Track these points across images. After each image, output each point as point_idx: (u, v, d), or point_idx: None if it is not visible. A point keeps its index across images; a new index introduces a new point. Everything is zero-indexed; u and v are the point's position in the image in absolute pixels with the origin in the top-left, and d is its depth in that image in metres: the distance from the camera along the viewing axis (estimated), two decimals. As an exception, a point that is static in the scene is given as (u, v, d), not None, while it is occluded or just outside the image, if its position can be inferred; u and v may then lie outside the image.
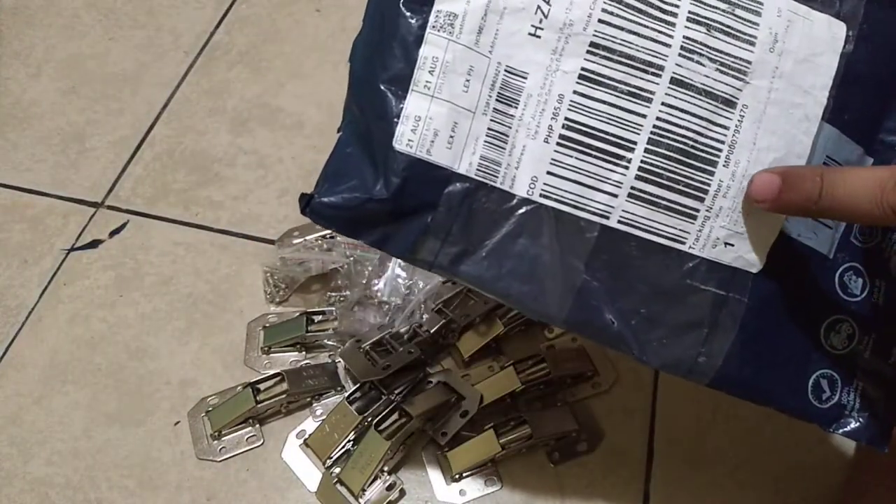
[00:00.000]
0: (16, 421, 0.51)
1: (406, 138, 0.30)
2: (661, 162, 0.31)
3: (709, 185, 0.31)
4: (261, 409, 0.49)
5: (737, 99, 0.31)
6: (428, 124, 0.30)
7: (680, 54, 0.31)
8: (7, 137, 0.66)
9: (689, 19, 0.31)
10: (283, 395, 0.49)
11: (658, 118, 0.31)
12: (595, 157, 0.31)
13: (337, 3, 0.74)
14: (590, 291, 0.32)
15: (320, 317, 0.53)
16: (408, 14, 0.30)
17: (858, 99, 0.33)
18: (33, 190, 0.62)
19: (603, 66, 0.31)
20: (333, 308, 0.53)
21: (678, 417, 0.49)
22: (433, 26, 0.30)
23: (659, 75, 0.31)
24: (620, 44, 0.30)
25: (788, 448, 0.48)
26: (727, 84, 0.31)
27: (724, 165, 0.31)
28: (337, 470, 0.46)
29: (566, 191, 0.31)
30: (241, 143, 0.64)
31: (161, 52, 0.71)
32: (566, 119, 0.31)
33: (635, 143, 0.31)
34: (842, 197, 0.29)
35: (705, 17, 0.31)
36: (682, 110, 0.31)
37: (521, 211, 0.31)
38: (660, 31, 0.30)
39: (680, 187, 0.31)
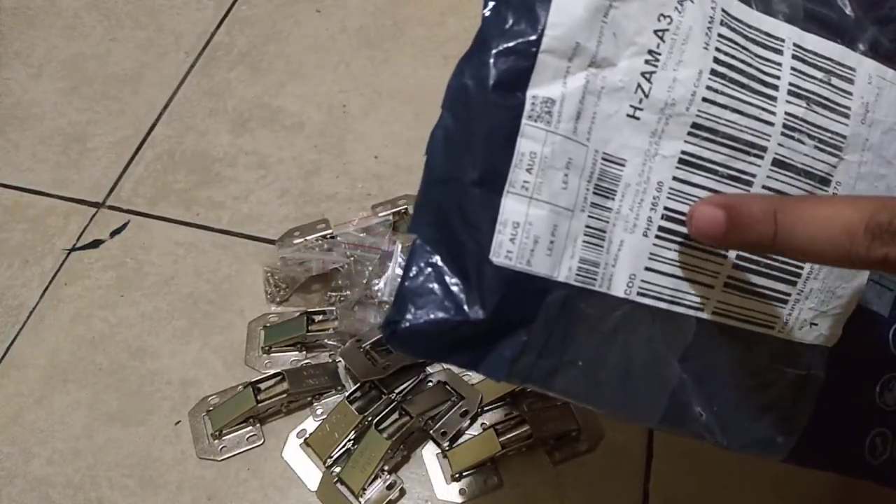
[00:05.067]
0: (17, 420, 0.51)
1: (504, 249, 0.26)
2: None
3: (802, 268, 0.30)
4: (261, 408, 0.49)
5: (832, 176, 0.30)
6: (528, 231, 0.26)
7: (782, 133, 0.29)
8: (8, 137, 0.66)
9: (789, 92, 0.28)
10: (284, 395, 0.49)
11: None
12: (694, 247, 0.29)
13: (337, 3, 0.74)
14: (683, 388, 0.29)
15: (321, 316, 0.53)
16: (500, 101, 0.26)
17: None
18: (34, 190, 0.63)
19: (704, 148, 0.28)
20: (334, 308, 0.53)
21: (678, 417, 0.49)
22: (529, 116, 0.26)
23: (761, 157, 0.28)
24: (724, 124, 0.28)
25: (788, 448, 0.48)
26: (824, 161, 0.29)
27: None
28: (337, 469, 0.46)
29: (664, 286, 0.29)
30: (241, 144, 0.64)
31: (162, 53, 0.71)
32: (665, 209, 0.28)
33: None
34: (801, 243, 0.24)
35: (805, 90, 0.29)
36: (780, 192, 0.29)
37: (617, 313, 0.28)
38: (763, 109, 0.28)
39: (775, 273, 0.30)
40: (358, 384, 0.49)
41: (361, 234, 0.54)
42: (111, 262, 0.58)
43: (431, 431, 0.47)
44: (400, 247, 0.53)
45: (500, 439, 0.46)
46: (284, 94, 0.68)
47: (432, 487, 0.47)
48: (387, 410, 0.47)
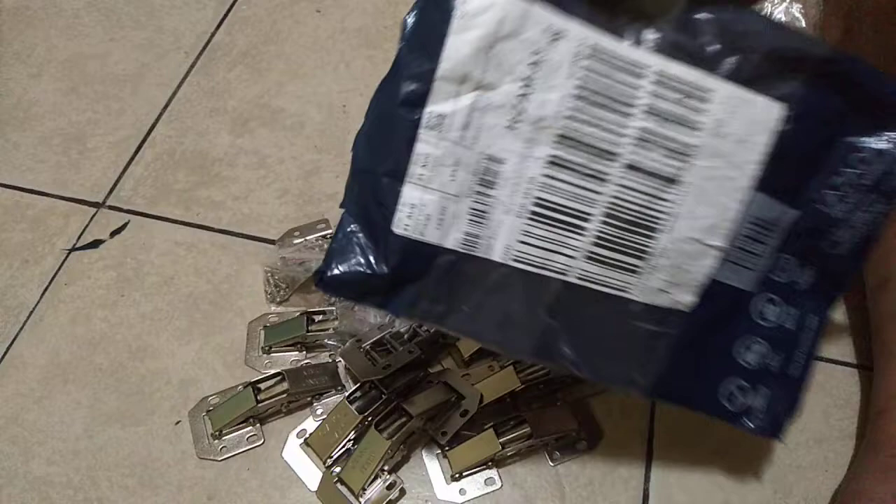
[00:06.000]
0: (17, 420, 0.51)
1: (403, 223, 0.35)
2: (612, 231, 0.37)
3: (652, 248, 0.37)
4: (261, 408, 0.49)
5: (680, 178, 0.36)
6: (421, 210, 0.35)
7: (635, 143, 0.36)
8: (8, 138, 0.66)
9: (646, 110, 0.35)
10: (284, 395, 0.49)
11: (612, 196, 0.36)
12: (559, 227, 0.37)
13: (337, 3, 0.74)
14: (551, 333, 0.38)
15: (321, 316, 0.53)
16: (405, 115, 0.34)
17: (786, 169, 0.37)
18: (34, 190, 0.63)
19: (568, 153, 0.35)
20: (334, 308, 0.53)
21: (678, 417, 0.49)
22: (426, 126, 0.34)
23: (615, 161, 0.36)
24: (584, 135, 0.35)
25: (788, 448, 0.48)
26: (672, 166, 0.36)
27: (665, 232, 0.37)
28: (337, 469, 0.47)
29: (534, 255, 0.37)
30: (241, 144, 0.64)
31: (162, 53, 0.71)
32: (536, 197, 0.36)
33: (592, 215, 0.36)
34: None
35: (661, 108, 0.35)
36: (632, 189, 0.36)
37: (496, 274, 0.37)
38: (619, 124, 0.35)
39: (628, 250, 0.37)
40: (358, 384, 0.49)
41: (361, 234, 0.54)
42: (111, 262, 0.58)
43: (431, 431, 0.47)
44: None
45: (500, 439, 0.46)
46: (284, 94, 0.68)
47: (432, 487, 0.47)
48: (387, 410, 0.47)
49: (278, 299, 0.55)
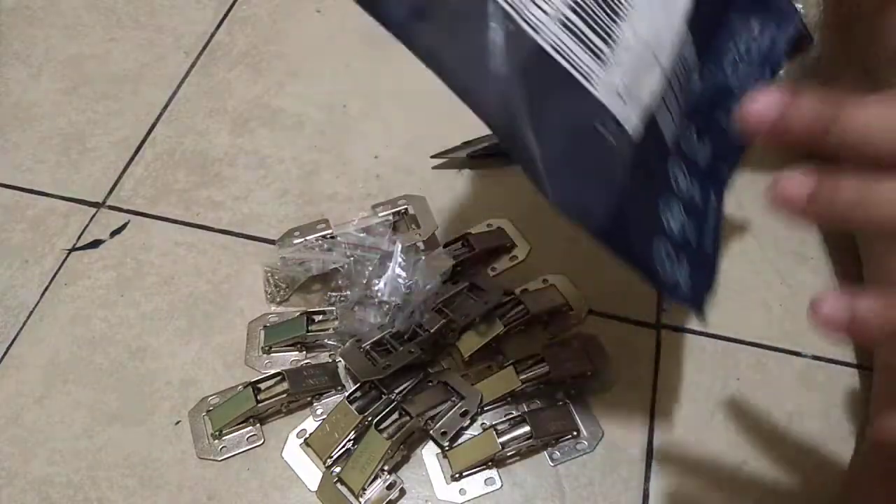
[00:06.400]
0: (17, 420, 0.51)
1: None
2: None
3: (617, 35, 0.37)
4: (261, 408, 0.49)
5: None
6: None
7: None
8: (8, 138, 0.66)
9: None
10: (284, 395, 0.49)
11: None
12: None
13: (337, 3, 0.74)
14: (515, 105, 0.35)
15: (321, 317, 0.53)
16: None
17: (702, 16, 0.39)
18: (34, 190, 0.63)
19: None
20: (334, 308, 0.53)
21: (678, 417, 0.49)
22: None
23: None
24: None
25: (788, 448, 0.48)
26: None
27: (627, 21, 0.37)
28: (337, 469, 0.47)
29: (513, 7, 0.35)
30: (241, 144, 0.64)
31: (162, 53, 0.71)
32: None
33: None
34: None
35: None
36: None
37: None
38: None
39: (597, 29, 0.36)
40: (358, 384, 0.49)
41: (361, 234, 0.54)
42: (111, 262, 0.58)
43: (431, 431, 0.47)
44: (400, 247, 0.53)
45: (500, 439, 0.47)
46: (284, 94, 0.68)
47: (432, 487, 0.47)
48: (387, 410, 0.47)
49: (278, 299, 0.55)
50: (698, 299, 0.41)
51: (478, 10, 0.35)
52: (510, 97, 0.35)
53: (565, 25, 0.36)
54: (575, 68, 0.36)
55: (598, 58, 0.37)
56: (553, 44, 0.36)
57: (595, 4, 0.36)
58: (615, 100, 0.37)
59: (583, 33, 0.36)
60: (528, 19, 0.35)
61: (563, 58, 0.36)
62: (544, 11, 0.35)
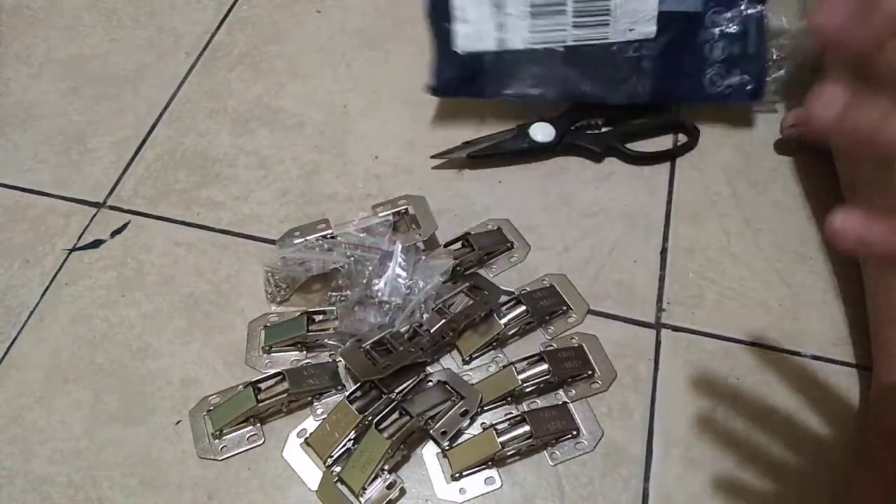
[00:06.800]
0: (17, 420, 0.51)
1: (461, 43, 0.60)
2: (581, 6, 0.58)
3: (609, 9, 0.58)
4: (262, 408, 0.49)
5: None
6: (466, 33, 0.60)
7: None
8: (9, 138, 0.66)
9: None
10: (284, 395, 0.49)
11: None
12: (549, 15, 0.58)
13: (337, 3, 0.74)
14: (570, 79, 0.60)
15: (321, 316, 0.53)
16: None
17: None
18: (35, 190, 0.63)
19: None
20: (334, 308, 0.53)
21: (677, 417, 0.49)
22: None
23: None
24: None
25: (788, 448, 0.48)
26: None
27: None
28: (337, 469, 0.47)
29: (541, 37, 0.59)
30: (241, 144, 0.65)
31: (162, 53, 0.71)
32: (530, 4, 0.58)
33: (567, 2, 0.58)
34: None
35: None
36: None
37: (522, 54, 0.59)
38: None
39: (597, 17, 0.58)
40: (358, 384, 0.49)
41: (361, 234, 0.54)
42: (112, 262, 0.58)
43: (431, 431, 0.48)
44: (400, 247, 0.53)
45: (500, 439, 0.47)
46: (284, 94, 0.68)
47: (432, 487, 0.47)
48: (387, 410, 0.47)
49: (278, 299, 0.55)
50: (756, 87, 0.59)
51: (529, 57, 0.60)
52: (565, 80, 0.60)
53: (578, 26, 0.59)
54: (594, 40, 0.59)
55: (605, 24, 0.59)
56: (576, 38, 0.59)
57: (589, 4, 0.58)
58: (627, 35, 0.59)
59: (589, 22, 0.59)
60: (555, 40, 0.59)
61: (585, 40, 0.59)
62: (562, 30, 0.59)
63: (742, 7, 0.59)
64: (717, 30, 0.58)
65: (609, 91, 0.59)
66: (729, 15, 0.58)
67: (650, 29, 0.58)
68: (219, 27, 0.73)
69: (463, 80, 0.60)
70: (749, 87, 0.59)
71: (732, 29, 0.58)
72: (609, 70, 0.59)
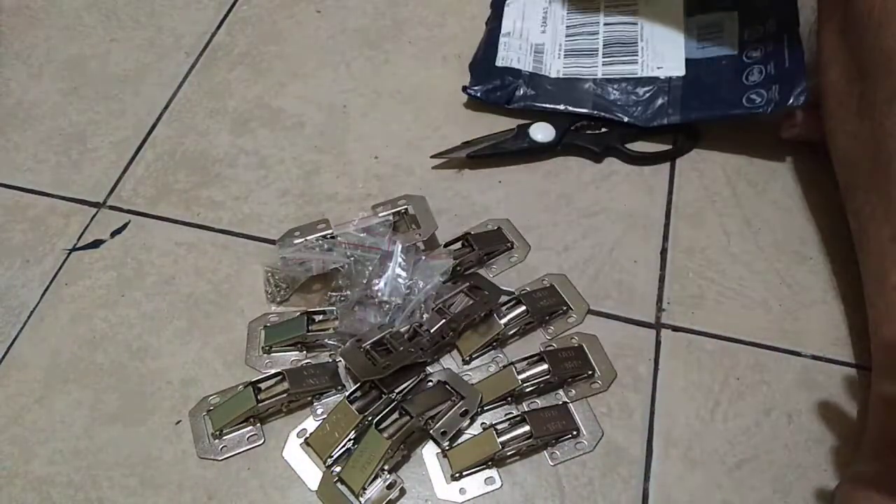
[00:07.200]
0: (17, 420, 0.51)
1: (501, 60, 0.67)
2: (610, 50, 0.65)
3: (637, 49, 0.65)
4: (262, 408, 0.49)
5: (637, 18, 0.67)
6: (507, 56, 0.67)
7: (605, 23, 0.68)
8: (9, 138, 0.66)
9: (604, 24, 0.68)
10: (284, 395, 0.49)
11: (604, 36, 0.67)
12: (582, 57, 0.65)
13: (337, 3, 0.74)
14: (600, 98, 0.63)
15: (321, 316, 0.53)
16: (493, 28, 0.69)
17: None
18: (35, 190, 0.63)
19: (573, 19, 0.69)
20: (334, 308, 0.53)
21: (677, 416, 0.49)
22: (503, 35, 0.68)
23: (598, 14, 0.69)
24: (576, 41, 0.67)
25: (788, 448, 0.48)
26: (629, 24, 0.67)
27: (642, 42, 0.66)
28: (337, 469, 0.47)
29: (574, 71, 0.65)
30: (242, 144, 0.65)
31: (162, 53, 0.71)
32: (566, 49, 0.66)
33: (598, 48, 0.66)
34: None
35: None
36: (617, 29, 0.67)
37: (556, 78, 0.65)
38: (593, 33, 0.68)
39: (625, 56, 0.65)
40: (358, 384, 0.49)
41: (361, 234, 0.54)
42: (112, 262, 0.58)
43: (431, 431, 0.48)
44: (400, 247, 0.53)
45: (500, 439, 0.47)
46: (284, 94, 0.68)
47: (432, 487, 0.47)
48: (387, 410, 0.47)
49: (278, 299, 0.55)
50: (799, 94, 0.56)
51: (563, 82, 0.65)
52: (597, 97, 0.64)
53: (607, 63, 0.65)
54: (624, 74, 0.64)
55: (633, 62, 0.64)
56: (605, 73, 0.64)
57: (618, 48, 0.65)
58: (655, 72, 0.63)
59: (617, 61, 0.65)
60: (586, 75, 0.65)
61: (615, 74, 0.64)
62: (593, 67, 0.65)
63: (774, 31, 0.60)
64: (753, 60, 0.60)
65: (639, 113, 0.62)
66: (764, 47, 0.60)
67: (679, 72, 0.62)
68: (219, 27, 0.73)
69: (497, 87, 0.64)
70: (791, 98, 0.56)
71: (768, 53, 0.59)
72: (639, 95, 0.62)
